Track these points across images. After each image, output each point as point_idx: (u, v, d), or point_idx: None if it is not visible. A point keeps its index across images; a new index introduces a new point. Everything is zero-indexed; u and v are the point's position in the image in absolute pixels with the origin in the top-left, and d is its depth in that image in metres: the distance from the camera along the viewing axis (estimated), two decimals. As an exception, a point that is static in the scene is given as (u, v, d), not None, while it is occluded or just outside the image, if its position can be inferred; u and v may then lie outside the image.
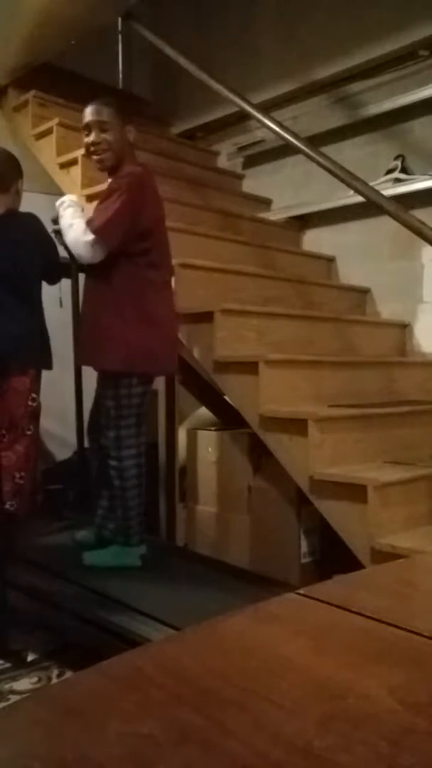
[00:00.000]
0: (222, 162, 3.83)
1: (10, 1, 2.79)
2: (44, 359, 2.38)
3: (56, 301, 2.46)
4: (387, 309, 3.13)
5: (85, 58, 3.26)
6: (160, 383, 2.70)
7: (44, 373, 2.38)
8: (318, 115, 3.29)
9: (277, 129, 2.67)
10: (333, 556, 2.31)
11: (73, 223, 2.18)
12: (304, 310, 2.88)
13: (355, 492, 1.97)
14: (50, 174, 3.09)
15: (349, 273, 3.27)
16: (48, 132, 3.08)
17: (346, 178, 2.47)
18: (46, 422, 2.65)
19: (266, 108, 3.04)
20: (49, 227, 2.32)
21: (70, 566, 2.27)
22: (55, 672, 2.02)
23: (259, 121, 2.76)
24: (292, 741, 0.46)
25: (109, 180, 2.27)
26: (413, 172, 2.95)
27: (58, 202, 2.28)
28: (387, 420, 2.33)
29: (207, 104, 3.57)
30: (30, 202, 2.49)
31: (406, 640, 0.63)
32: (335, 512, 2.07)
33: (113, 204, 2.12)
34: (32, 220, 2.37)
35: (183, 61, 2.95)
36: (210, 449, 2.85)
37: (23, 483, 2.32)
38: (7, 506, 2.20)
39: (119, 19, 3.37)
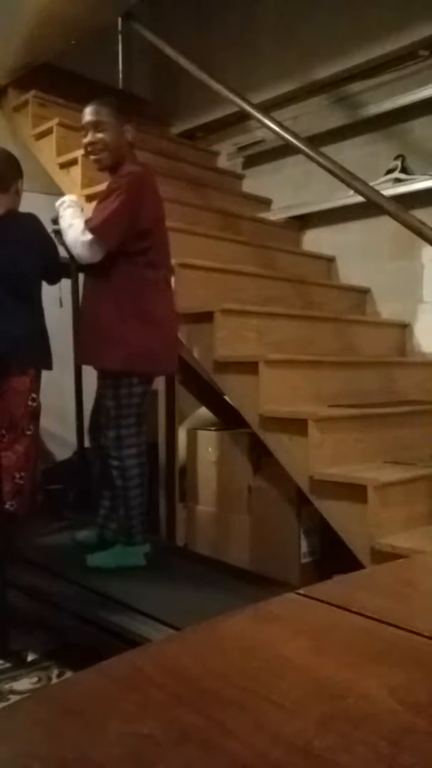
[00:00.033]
0: (222, 162, 3.83)
1: (10, 1, 2.79)
2: (44, 359, 2.38)
3: (56, 301, 2.46)
4: (387, 309, 3.13)
5: (85, 58, 3.26)
6: (160, 383, 2.70)
7: (44, 373, 2.38)
8: (318, 115, 3.29)
9: (277, 129, 2.67)
10: (333, 556, 2.31)
11: (73, 223, 2.18)
12: (304, 310, 2.88)
13: (355, 492, 1.97)
14: (50, 174, 3.09)
15: (349, 273, 3.27)
16: (48, 132, 3.08)
17: (346, 178, 2.47)
18: (46, 422, 2.65)
19: (266, 108, 3.04)
20: (49, 227, 2.32)
21: (70, 566, 2.26)
22: (55, 672, 2.02)
23: (259, 121, 2.77)
24: (292, 741, 0.46)
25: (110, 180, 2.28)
26: (413, 172, 2.95)
27: (57, 203, 2.28)
28: (387, 420, 2.33)
29: (207, 104, 3.57)
30: (30, 202, 2.49)
31: (406, 640, 0.63)
32: (335, 512, 2.07)
33: (112, 204, 2.12)
34: (32, 220, 2.37)
35: (183, 61, 2.95)
36: (210, 449, 2.85)
37: (23, 483, 2.33)
38: (7, 506, 2.20)
39: (119, 19, 3.38)
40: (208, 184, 3.42)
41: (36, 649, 2.12)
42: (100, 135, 2.20)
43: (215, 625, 0.68)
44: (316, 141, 2.99)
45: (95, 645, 1.91)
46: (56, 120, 3.04)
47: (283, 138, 2.67)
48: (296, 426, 2.14)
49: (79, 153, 2.80)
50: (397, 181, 2.93)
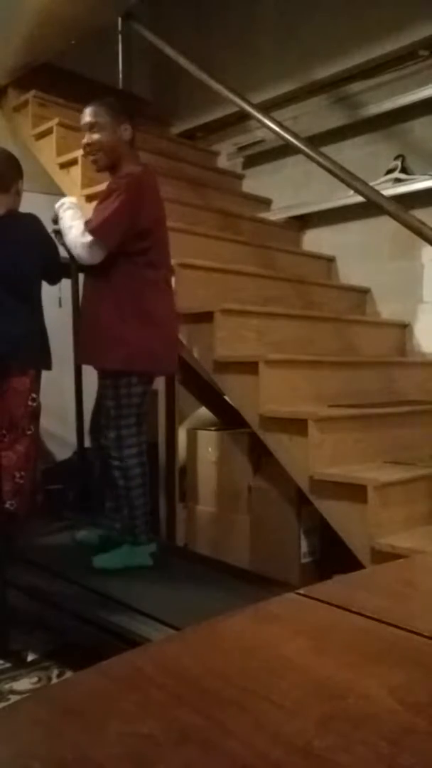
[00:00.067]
0: (222, 162, 3.83)
1: (10, 1, 2.79)
2: (44, 359, 2.38)
3: (56, 301, 2.46)
4: (387, 309, 3.13)
5: (85, 58, 3.26)
6: (160, 383, 2.70)
7: (44, 373, 2.38)
8: (318, 115, 3.29)
9: (277, 129, 2.67)
10: (333, 556, 2.31)
11: (73, 225, 2.19)
12: (304, 310, 2.88)
13: (355, 492, 1.97)
14: (50, 174, 3.09)
15: (349, 273, 3.27)
16: (48, 132, 3.08)
17: (346, 178, 2.47)
18: (46, 422, 2.64)
19: (266, 108, 3.04)
20: (49, 227, 2.32)
21: (70, 566, 2.26)
22: (55, 672, 2.02)
23: (259, 121, 2.76)
24: (292, 741, 0.46)
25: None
26: (413, 172, 2.95)
27: (57, 204, 2.29)
28: (387, 420, 2.33)
29: (207, 104, 3.57)
30: (30, 202, 2.49)
31: (406, 640, 0.63)
32: (335, 512, 2.07)
33: (111, 204, 2.12)
34: (32, 220, 2.37)
35: (183, 61, 2.95)
36: (210, 449, 2.85)
37: (23, 483, 2.32)
38: (7, 506, 2.20)
39: (119, 19, 3.37)
40: (208, 184, 3.42)
41: (36, 649, 2.12)
42: (95, 136, 2.21)
43: (215, 625, 0.68)
44: (316, 141, 2.99)
45: (95, 645, 1.91)
46: (56, 120, 3.04)
47: (283, 138, 2.67)
48: (296, 426, 2.14)
49: (79, 153, 2.80)
50: (397, 181, 2.93)
